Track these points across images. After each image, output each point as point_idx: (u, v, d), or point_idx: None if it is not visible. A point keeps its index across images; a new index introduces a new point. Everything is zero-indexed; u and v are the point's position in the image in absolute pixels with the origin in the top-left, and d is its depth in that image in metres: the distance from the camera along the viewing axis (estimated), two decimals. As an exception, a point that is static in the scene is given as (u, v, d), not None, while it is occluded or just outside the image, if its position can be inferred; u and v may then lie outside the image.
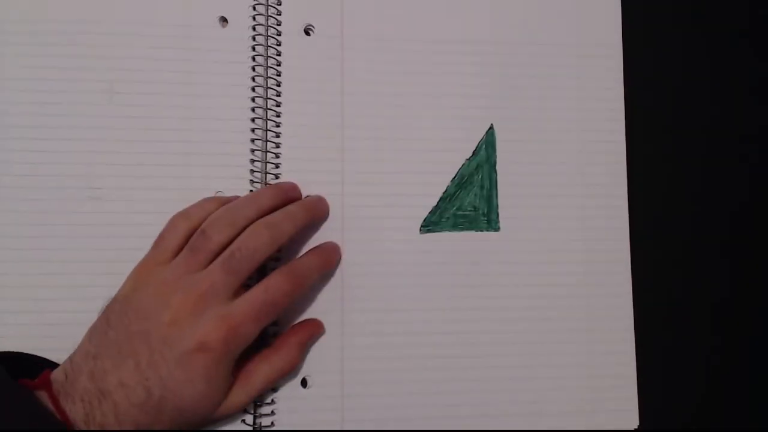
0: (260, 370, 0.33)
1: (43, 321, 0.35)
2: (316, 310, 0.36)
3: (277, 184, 0.36)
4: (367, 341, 0.36)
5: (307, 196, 0.37)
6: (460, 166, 0.38)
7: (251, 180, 0.36)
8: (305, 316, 0.36)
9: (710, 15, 0.41)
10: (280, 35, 0.38)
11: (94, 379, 0.28)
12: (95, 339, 0.30)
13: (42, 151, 0.36)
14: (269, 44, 0.37)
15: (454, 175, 0.38)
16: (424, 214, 0.38)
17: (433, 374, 0.36)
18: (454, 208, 0.38)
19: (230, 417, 0.34)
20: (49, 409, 0.27)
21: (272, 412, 0.35)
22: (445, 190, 0.38)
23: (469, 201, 0.38)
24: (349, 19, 0.38)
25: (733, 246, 0.40)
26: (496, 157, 0.38)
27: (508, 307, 0.37)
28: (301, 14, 0.38)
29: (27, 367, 0.31)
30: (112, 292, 0.32)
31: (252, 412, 0.35)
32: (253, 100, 0.37)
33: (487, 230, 0.38)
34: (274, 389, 0.35)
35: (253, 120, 0.37)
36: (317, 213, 0.36)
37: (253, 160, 0.37)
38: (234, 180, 0.36)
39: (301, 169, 0.37)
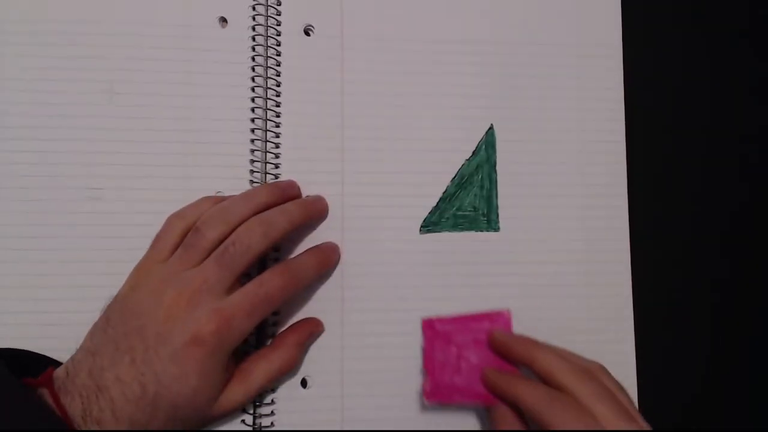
0: (259, 368, 0.33)
1: (43, 321, 0.35)
2: (316, 310, 0.36)
3: (273, 182, 0.36)
4: (367, 341, 0.36)
5: (307, 196, 0.37)
6: (460, 166, 0.38)
7: (251, 180, 0.36)
8: (305, 315, 0.36)
9: (710, 15, 0.41)
10: (279, 35, 0.38)
11: (93, 376, 0.29)
12: (95, 337, 0.30)
13: (42, 151, 0.36)
14: (269, 44, 0.37)
15: (454, 175, 0.38)
16: (424, 214, 0.38)
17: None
18: (454, 208, 0.38)
19: (229, 416, 0.34)
20: (50, 407, 0.28)
21: (272, 412, 0.35)
22: (445, 190, 0.38)
23: (469, 201, 0.38)
24: (349, 19, 0.38)
25: (733, 246, 0.40)
26: (496, 157, 0.38)
27: (508, 307, 0.37)
28: (301, 14, 0.38)
29: (31, 365, 0.31)
30: (112, 292, 0.32)
31: (251, 412, 0.35)
32: (252, 100, 0.37)
33: (487, 230, 0.38)
34: (274, 389, 0.35)
35: (252, 120, 0.37)
36: (314, 211, 0.36)
37: (253, 161, 0.37)
38: (234, 180, 0.36)
39: (301, 169, 0.37)
